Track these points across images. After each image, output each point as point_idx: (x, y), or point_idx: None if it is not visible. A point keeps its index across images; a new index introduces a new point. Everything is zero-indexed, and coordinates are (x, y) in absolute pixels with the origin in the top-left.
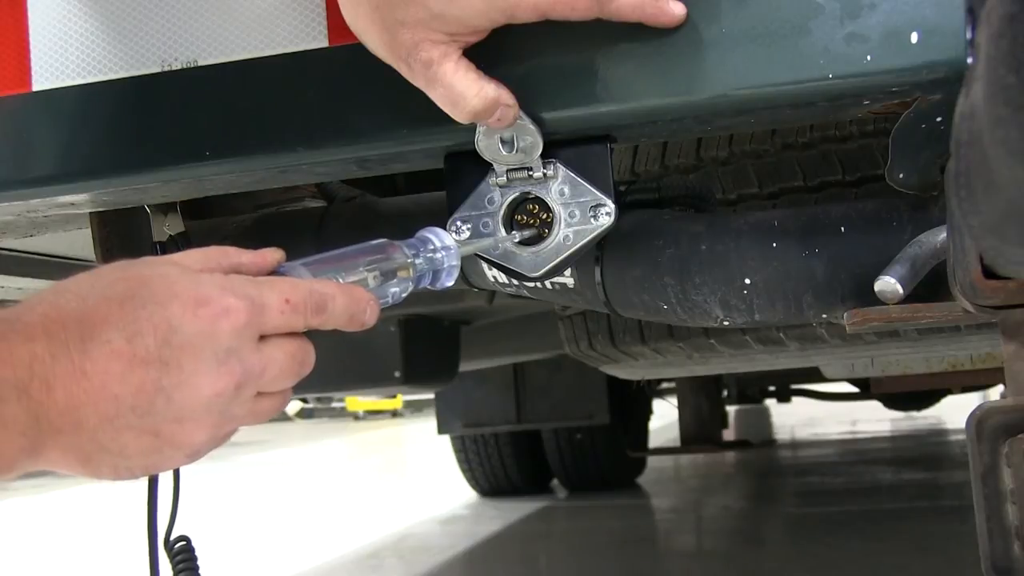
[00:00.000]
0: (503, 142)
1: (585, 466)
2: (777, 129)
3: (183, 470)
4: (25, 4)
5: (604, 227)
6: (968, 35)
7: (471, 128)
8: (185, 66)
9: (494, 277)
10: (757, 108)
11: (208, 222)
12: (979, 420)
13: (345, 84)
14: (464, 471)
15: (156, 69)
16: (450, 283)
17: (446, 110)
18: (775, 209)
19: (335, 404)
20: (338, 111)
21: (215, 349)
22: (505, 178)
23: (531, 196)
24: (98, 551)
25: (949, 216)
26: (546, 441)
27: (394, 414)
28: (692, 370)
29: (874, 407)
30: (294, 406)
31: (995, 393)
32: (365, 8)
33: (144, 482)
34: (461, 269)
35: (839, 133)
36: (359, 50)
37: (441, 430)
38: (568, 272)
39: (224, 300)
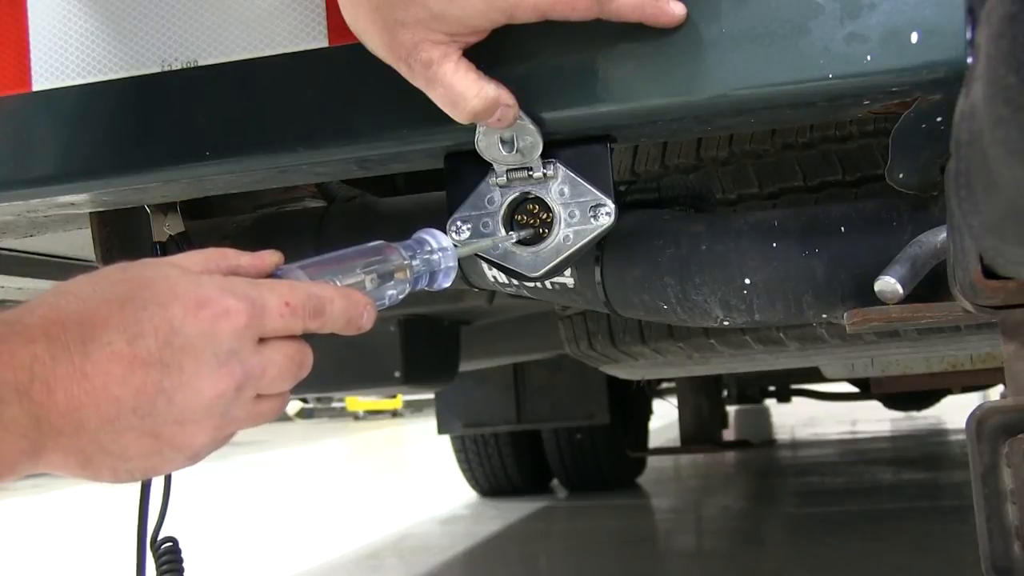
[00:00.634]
0: (503, 142)
1: (585, 466)
2: (777, 129)
3: (182, 470)
4: (25, 4)
5: (604, 227)
6: (968, 35)
7: (471, 128)
8: (185, 66)
9: (494, 277)
10: (757, 108)
11: (208, 222)
12: (979, 420)
13: (345, 84)
14: (464, 471)
15: (156, 69)
16: (447, 284)
17: (446, 110)
18: (775, 209)
19: (335, 404)
20: (338, 111)
21: (216, 350)
22: (505, 178)
23: (531, 196)
24: (97, 551)
25: (949, 216)
26: (546, 441)
27: (394, 414)
28: (692, 370)
29: (874, 407)
30: (294, 406)
31: (995, 393)
32: (365, 8)
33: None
34: (461, 269)
35: (839, 133)
36: (359, 50)
37: (441, 430)
38: (568, 272)
39: (224, 301)
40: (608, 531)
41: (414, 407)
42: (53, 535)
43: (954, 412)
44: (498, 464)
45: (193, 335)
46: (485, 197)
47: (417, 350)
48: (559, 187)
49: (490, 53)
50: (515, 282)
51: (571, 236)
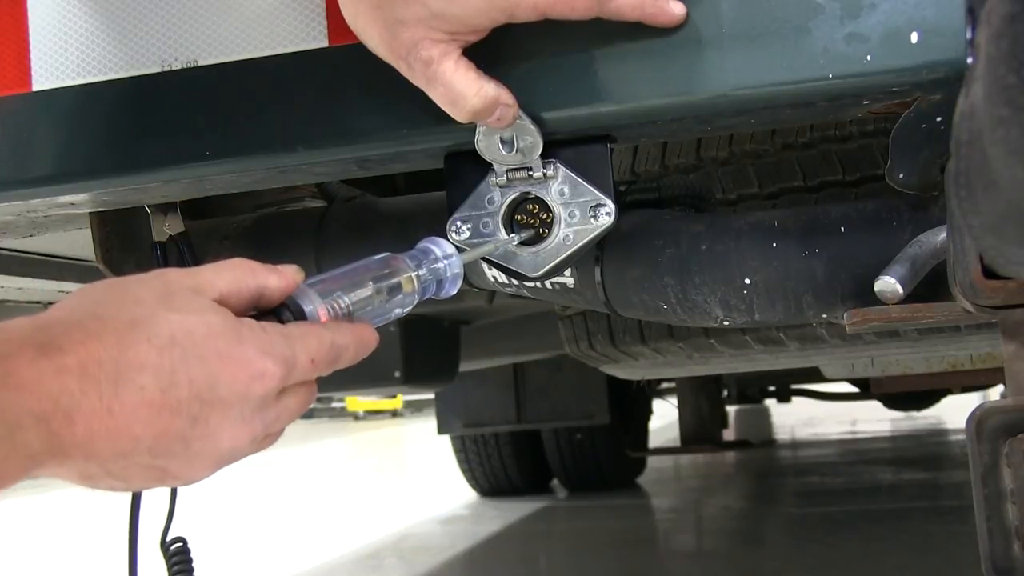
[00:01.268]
0: (503, 142)
1: (585, 466)
2: (777, 129)
3: None
4: (25, 4)
5: (604, 227)
6: (968, 35)
7: (471, 128)
8: (185, 66)
9: (494, 277)
10: (757, 108)
11: (208, 222)
12: (979, 420)
13: (345, 84)
14: (464, 471)
15: (156, 69)
16: (454, 291)
17: (446, 109)
18: (775, 209)
19: (335, 404)
20: (338, 111)
21: (242, 410)
22: (505, 178)
23: (531, 196)
24: (98, 551)
25: (949, 216)
26: (546, 441)
27: (394, 414)
28: (692, 370)
29: (874, 407)
30: None
31: (995, 393)
32: (365, 7)
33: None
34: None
35: (839, 133)
36: (359, 50)
37: (441, 430)
38: (568, 272)
39: (262, 363)
40: (608, 531)
41: (414, 407)
42: (53, 535)
43: (954, 412)
44: (498, 464)
45: (226, 394)
46: (485, 197)
47: (417, 350)
48: (559, 187)
49: (490, 52)
50: (515, 282)
51: (571, 236)
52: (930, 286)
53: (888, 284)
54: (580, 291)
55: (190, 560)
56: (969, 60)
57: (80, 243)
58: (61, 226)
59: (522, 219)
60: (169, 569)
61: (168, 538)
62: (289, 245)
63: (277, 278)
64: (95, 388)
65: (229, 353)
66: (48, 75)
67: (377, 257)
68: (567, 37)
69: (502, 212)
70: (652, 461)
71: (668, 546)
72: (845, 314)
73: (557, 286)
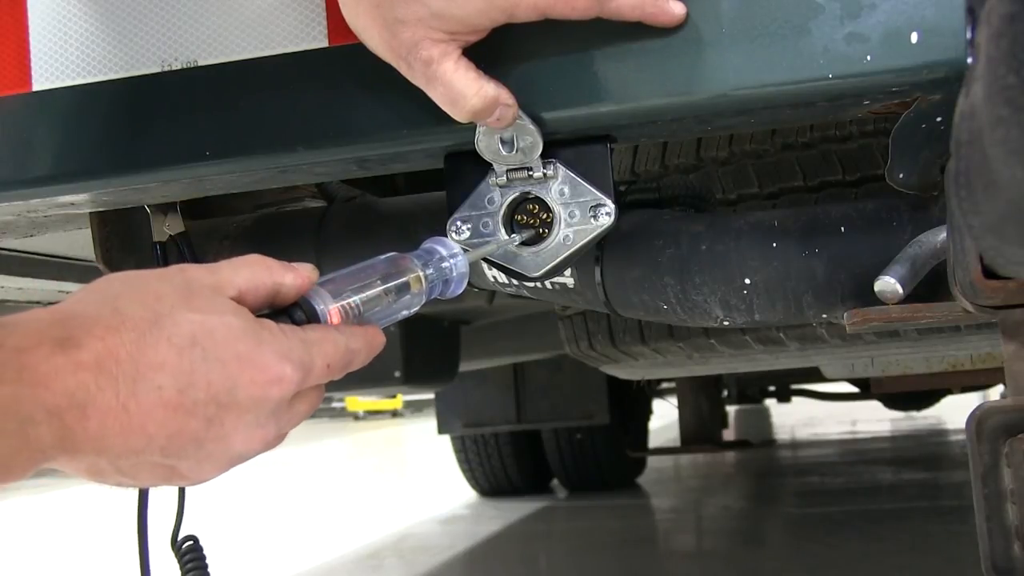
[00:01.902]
0: (503, 142)
1: (585, 466)
2: (777, 129)
3: None
4: (25, 4)
5: (604, 227)
6: (968, 35)
7: (471, 128)
8: (185, 66)
9: (494, 277)
10: (757, 108)
11: (208, 222)
12: (979, 420)
13: (345, 84)
14: (464, 471)
15: (156, 69)
16: (460, 291)
17: (446, 109)
18: (775, 209)
19: (335, 404)
20: (338, 111)
21: (258, 414)
22: (505, 178)
23: (531, 196)
24: (99, 551)
25: (949, 216)
26: (546, 441)
27: (394, 414)
28: (692, 370)
29: (874, 407)
30: None
31: (995, 393)
32: (365, 7)
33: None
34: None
35: (839, 133)
36: (359, 50)
37: (441, 430)
38: (568, 272)
39: (280, 368)
40: (608, 531)
41: (414, 407)
42: (54, 535)
43: (954, 412)
44: (498, 464)
45: (243, 398)
46: (485, 197)
47: (417, 350)
48: (559, 187)
49: (490, 52)
50: (515, 282)
51: (571, 236)
52: (930, 286)
53: (888, 284)
54: (580, 291)
55: (203, 558)
56: (969, 60)
57: (80, 243)
58: (61, 226)
59: (522, 219)
60: (182, 568)
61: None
62: (289, 245)
63: (293, 276)
64: (111, 385)
65: (249, 356)
66: (48, 75)
67: (384, 257)
68: (567, 37)
69: (502, 212)
70: (652, 461)
71: (668, 546)
72: (845, 314)
73: (557, 286)
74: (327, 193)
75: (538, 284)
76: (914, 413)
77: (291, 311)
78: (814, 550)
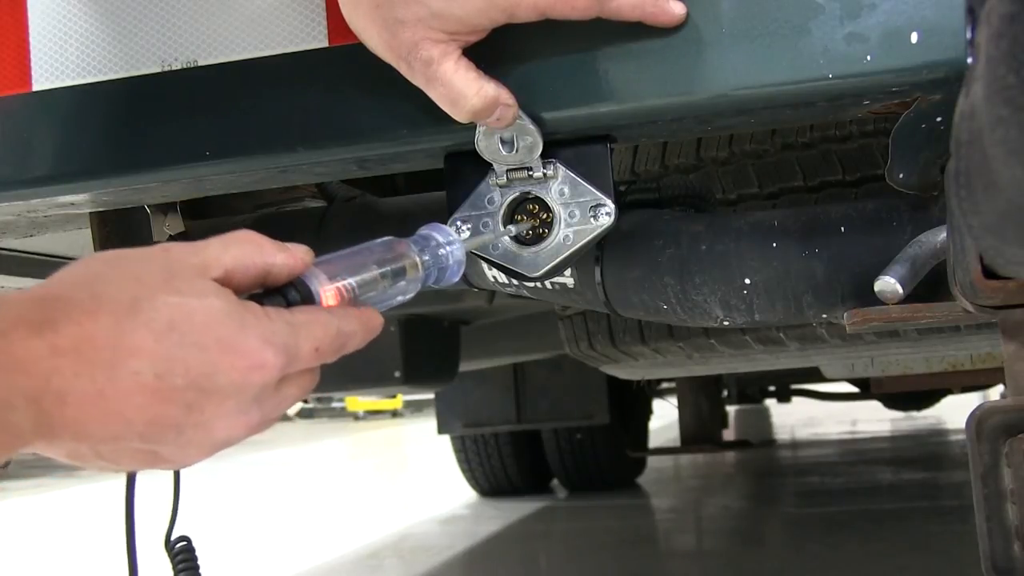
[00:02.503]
0: (503, 142)
1: (585, 466)
2: (777, 129)
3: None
4: (25, 4)
5: (604, 227)
6: (968, 35)
7: (471, 128)
8: (185, 66)
9: (494, 277)
10: (757, 108)
11: (208, 222)
12: (979, 420)
13: (345, 84)
14: (464, 471)
15: (156, 69)
16: (456, 279)
17: (446, 109)
18: (775, 209)
19: (335, 404)
20: (338, 111)
21: (239, 400)
22: (505, 178)
23: (531, 196)
24: (98, 551)
25: (949, 216)
26: (546, 441)
27: (394, 414)
28: (692, 370)
29: (874, 407)
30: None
31: (995, 393)
32: (365, 7)
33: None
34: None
35: (839, 133)
36: (359, 50)
37: (441, 430)
38: (568, 272)
39: (262, 354)
40: (608, 531)
41: (414, 407)
42: (53, 535)
43: (954, 412)
44: (498, 464)
45: (223, 383)
46: (485, 197)
47: (417, 350)
48: (559, 187)
49: (490, 52)
50: (515, 282)
51: (571, 236)
52: (930, 286)
53: (888, 284)
54: (580, 291)
55: (195, 559)
56: (969, 60)
57: (80, 243)
58: (61, 226)
59: (522, 219)
60: (174, 568)
61: (172, 537)
62: None
63: (285, 256)
64: (88, 371)
65: (229, 341)
66: (48, 75)
67: (380, 240)
68: (567, 37)
69: (502, 212)
70: (652, 461)
71: (668, 546)
72: (845, 314)
73: (557, 286)
74: (327, 193)
75: (538, 284)
76: (914, 413)
77: (285, 291)
78: (814, 550)
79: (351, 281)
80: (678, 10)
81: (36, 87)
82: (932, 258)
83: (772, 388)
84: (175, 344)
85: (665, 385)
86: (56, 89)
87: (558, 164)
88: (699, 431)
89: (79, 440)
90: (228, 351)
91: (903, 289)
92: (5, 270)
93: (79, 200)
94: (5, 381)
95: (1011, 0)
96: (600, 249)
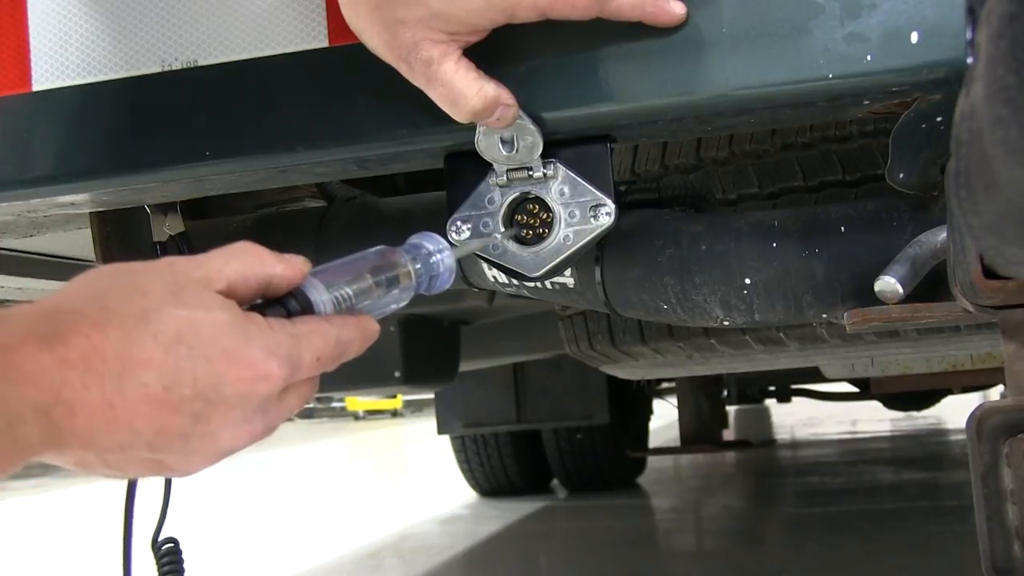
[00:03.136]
0: (503, 142)
1: (585, 466)
2: (777, 129)
3: None
4: (25, 4)
5: (604, 227)
6: (968, 35)
7: (471, 128)
8: (185, 66)
9: (494, 277)
10: (757, 108)
11: (208, 222)
12: (979, 420)
13: (345, 84)
14: (464, 471)
15: (156, 69)
16: (447, 286)
17: (446, 109)
18: (775, 209)
19: (335, 404)
20: (338, 111)
21: (244, 410)
22: (505, 178)
23: (531, 196)
24: (97, 551)
25: (949, 216)
26: (546, 441)
27: (394, 414)
28: (692, 370)
29: (874, 407)
30: None
31: (995, 393)
32: (365, 7)
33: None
34: (461, 269)
35: (839, 133)
36: (359, 50)
37: (441, 430)
38: (568, 272)
39: (267, 365)
40: (608, 531)
41: (414, 407)
42: (53, 535)
43: (954, 412)
44: (498, 464)
45: (229, 394)
46: (485, 197)
47: (417, 350)
48: (559, 187)
49: (490, 52)
50: (515, 282)
51: (571, 236)
52: (930, 286)
53: (888, 284)
54: (580, 291)
55: (181, 561)
56: (969, 60)
57: (80, 243)
58: (61, 226)
59: (522, 219)
60: (159, 569)
61: (160, 538)
62: (289, 245)
63: (284, 267)
64: (97, 382)
65: (235, 353)
66: (48, 75)
67: (373, 250)
68: (567, 37)
69: (502, 212)
70: (652, 461)
71: (668, 546)
72: (845, 314)
73: (557, 286)
74: (327, 193)
75: (538, 284)
76: (914, 413)
77: (285, 302)
78: (814, 550)
79: (348, 290)
80: (678, 10)
81: (36, 87)
82: (932, 258)
83: (772, 388)
84: (183, 356)
85: (665, 385)
86: (56, 89)
87: (558, 164)
88: (699, 431)
89: (87, 449)
90: (234, 362)
91: (903, 289)
92: (5, 270)
93: (79, 200)
94: (15, 394)
95: (1011, 0)
96: (600, 249)
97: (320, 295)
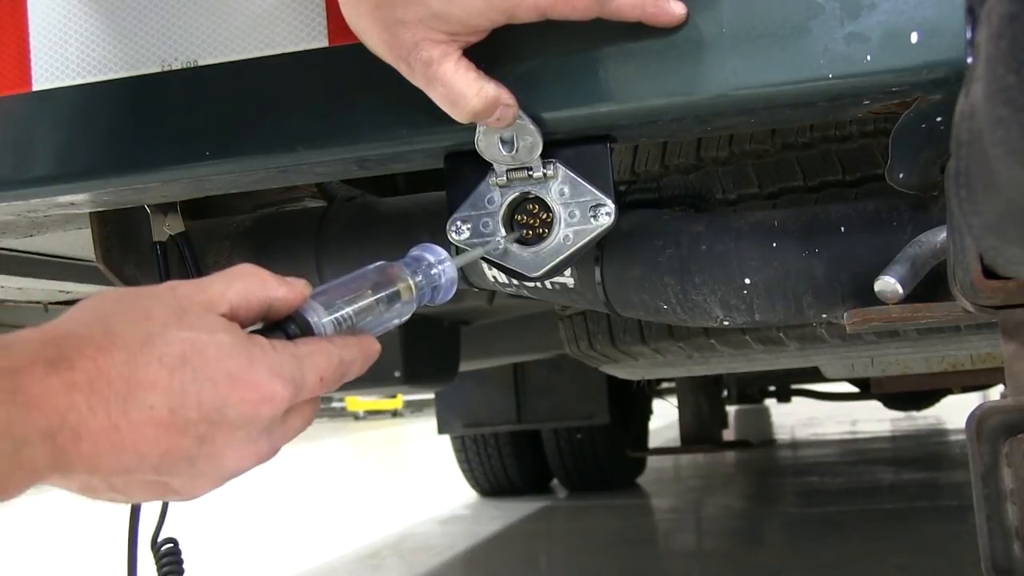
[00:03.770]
0: (503, 142)
1: (585, 466)
2: (777, 129)
3: None
4: (25, 4)
5: (604, 227)
6: (968, 35)
7: (471, 128)
8: (185, 66)
9: (494, 277)
10: (757, 108)
11: (208, 222)
12: (979, 420)
13: (345, 84)
14: (464, 471)
15: (156, 69)
16: (449, 296)
17: (446, 110)
18: (775, 209)
19: (335, 404)
20: (338, 111)
21: (249, 431)
22: (505, 178)
23: (531, 196)
24: (96, 551)
25: (949, 216)
26: (546, 441)
27: (394, 414)
28: (692, 370)
29: (874, 407)
30: None
31: (995, 393)
32: (365, 7)
33: None
34: (460, 270)
35: (839, 133)
36: (359, 50)
37: (441, 430)
38: (568, 272)
39: (272, 386)
40: (608, 531)
41: (414, 407)
42: (53, 535)
43: (954, 412)
44: (498, 464)
45: (234, 416)
46: (485, 197)
47: (417, 350)
48: (559, 187)
49: (490, 53)
50: (515, 282)
51: (571, 236)
52: (930, 286)
53: (888, 284)
54: (580, 291)
55: (180, 561)
56: (969, 60)
57: (80, 243)
58: (61, 226)
59: (522, 219)
60: (159, 570)
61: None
62: (289, 245)
63: (286, 290)
64: (103, 405)
65: (239, 375)
66: (48, 75)
67: (373, 267)
68: (567, 37)
69: (502, 212)
70: (652, 461)
71: (668, 546)
72: (845, 314)
73: (557, 286)
74: (327, 193)
75: (538, 284)
76: (914, 413)
77: (285, 325)
78: (814, 550)
79: (348, 311)
80: (678, 10)
81: (36, 87)
82: (932, 258)
83: (772, 388)
84: (188, 378)
85: (665, 385)
86: (56, 89)
87: (558, 164)
88: (699, 431)
89: (93, 473)
90: (239, 384)
91: (903, 289)
92: (5, 270)
93: (79, 200)
94: (22, 417)
95: (1011, 0)
96: (600, 249)
97: (320, 317)
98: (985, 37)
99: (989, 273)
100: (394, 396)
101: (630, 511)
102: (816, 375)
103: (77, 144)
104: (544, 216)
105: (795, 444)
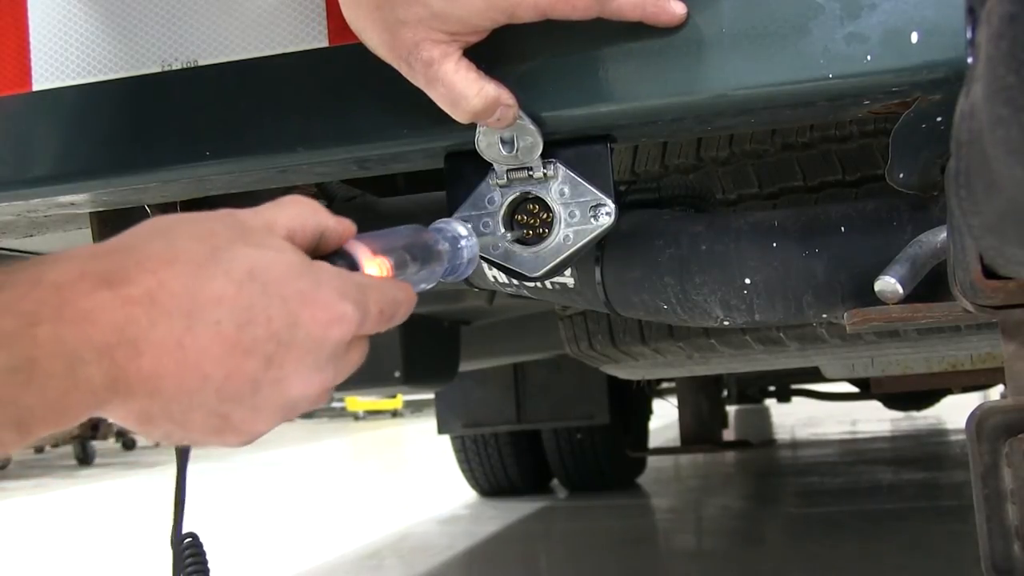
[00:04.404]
0: (503, 142)
1: (585, 466)
2: (777, 129)
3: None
4: (25, 4)
5: (604, 227)
6: (968, 35)
7: (471, 128)
8: (185, 66)
9: (494, 277)
10: (757, 108)
11: None
12: (979, 420)
13: (345, 84)
14: (464, 471)
15: (156, 69)
16: (468, 274)
17: (446, 110)
18: (775, 209)
19: (335, 404)
20: (338, 111)
21: (318, 356)
22: (505, 178)
23: (531, 196)
24: (96, 551)
25: (949, 216)
26: (546, 441)
27: (394, 414)
28: (692, 370)
29: (874, 407)
30: None
31: (995, 393)
32: (366, 7)
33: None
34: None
35: (839, 133)
36: (359, 50)
37: (441, 430)
38: (568, 272)
39: (341, 307)
40: (608, 531)
41: (414, 407)
42: (53, 535)
43: (954, 412)
44: (498, 464)
45: (303, 337)
46: (485, 197)
47: (417, 350)
48: (559, 187)
49: (490, 53)
50: (515, 282)
51: (571, 236)
52: (930, 286)
53: (888, 284)
54: (580, 291)
55: (203, 554)
56: (969, 60)
57: (80, 243)
58: (61, 226)
59: (522, 219)
60: (183, 565)
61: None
62: None
63: (336, 222)
64: (165, 320)
65: (309, 294)
66: (48, 75)
67: (409, 227)
68: (567, 37)
69: (502, 212)
70: (652, 461)
71: (668, 546)
72: (845, 314)
73: (557, 286)
74: (327, 193)
75: (538, 284)
76: (914, 413)
77: (332, 260)
78: (814, 550)
79: (390, 259)
80: (679, 10)
81: (36, 87)
82: (932, 258)
83: (772, 388)
84: (256, 294)
85: (665, 385)
86: (56, 89)
87: (558, 164)
88: (699, 431)
89: (153, 397)
90: (309, 303)
91: (903, 289)
92: None
93: (79, 200)
94: (72, 333)
95: (1011, 0)
96: (600, 249)
97: (371, 257)
98: (985, 37)
99: (989, 273)
100: (394, 396)
101: (630, 511)
102: (816, 375)
103: (77, 144)
104: (544, 216)
105: (795, 444)
